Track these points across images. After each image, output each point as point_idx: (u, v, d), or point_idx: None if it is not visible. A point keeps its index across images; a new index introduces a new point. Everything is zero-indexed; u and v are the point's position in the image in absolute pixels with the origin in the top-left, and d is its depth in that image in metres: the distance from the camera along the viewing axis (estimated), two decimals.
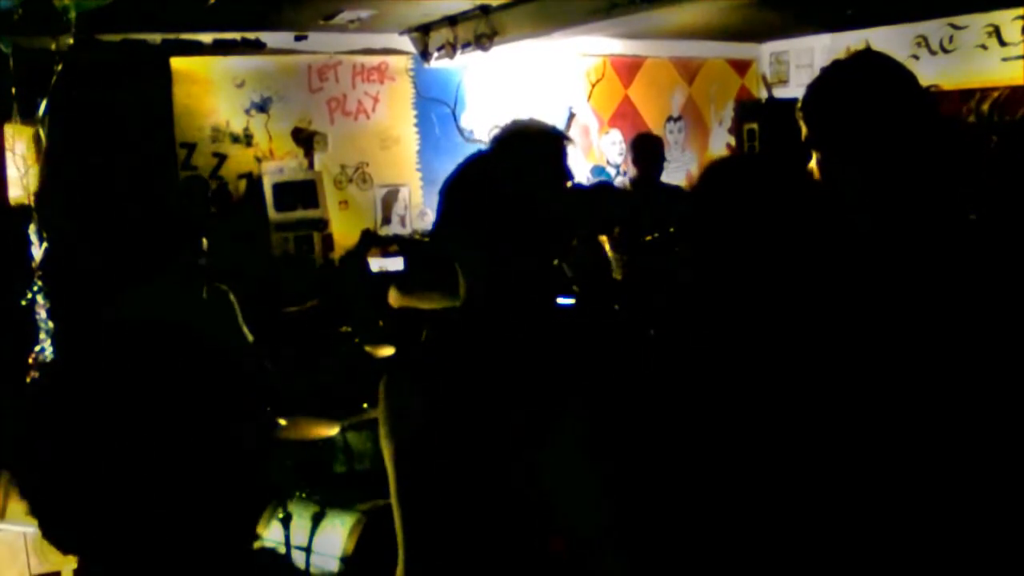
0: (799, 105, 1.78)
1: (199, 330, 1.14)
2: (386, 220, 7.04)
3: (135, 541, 1.04)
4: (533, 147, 2.78)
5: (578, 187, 4.26)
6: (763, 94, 8.38)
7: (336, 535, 4.00)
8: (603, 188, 4.84)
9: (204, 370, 1.10)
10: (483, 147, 6.39)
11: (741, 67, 8.50)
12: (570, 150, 2.87)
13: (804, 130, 1.77)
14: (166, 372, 1.07)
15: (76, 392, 1.05)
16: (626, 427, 1.59)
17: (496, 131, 2.91)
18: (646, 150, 6.12)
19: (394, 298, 3.04)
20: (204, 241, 4.04)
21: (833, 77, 1.76)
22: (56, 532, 1.05)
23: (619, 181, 7.87)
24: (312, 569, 3.99)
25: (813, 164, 1.76)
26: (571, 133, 7.47)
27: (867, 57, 1.77)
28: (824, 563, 1.53)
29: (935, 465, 1.54)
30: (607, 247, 5.65)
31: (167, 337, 1.11)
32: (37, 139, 4.66)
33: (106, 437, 1.03)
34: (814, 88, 1.77)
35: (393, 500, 1.71)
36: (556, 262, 2.35)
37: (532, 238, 1.71)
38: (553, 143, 2.84)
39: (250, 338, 4.24)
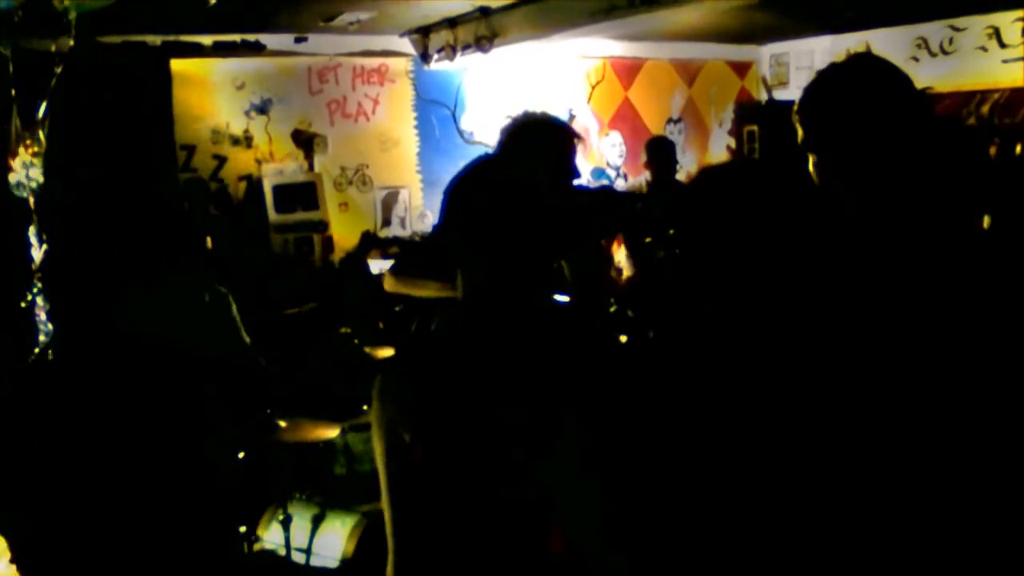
0: (795, 108, 1.78)
1: (198, 335, 1.15)
2: (386, 222, 7.05)
3: (125, 545, 1.04)
4: (540, 143, 2.74)
5: (581, 189, 4.26)
6: (763, 96, 8.39)
7: (336, 537, 4.00)
8: (605, 192, 4.84)
9: (202, 376, 1.11)
10: (485, 148, 6.39)
11: (741, 69, 8.51)
12: (578, 147, 2.84)
13: (800, 133, 1.77)
14: (161, 379, 1.07)
15: (68, 397, 1.05)
16: (625, 429, 1.60)
17: (506, 123, 2.87)
18: (661, 153, 6.21)
19: (389, 283, 3.02)
20: (208, 241, 4.03)
21: (828, 80, 1.76)
22: (31, 552, 1.04)
23: (620, 184, 7.88)
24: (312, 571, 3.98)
25: (810, 166, 1.76)
26: None
27: (862, 60, 1.76)
28: (824, 562, 1.53)
29: (928, 463, 1.55)
30: (619, 250, 5.66)
31: (163, 344, 1.11)
32: (37, 140, 4.66)
33: (98, 442, 1.03)
34: (809, 91, 1.77)
35: (383, 500, 1.72)
36: (558, 264, 2.35)
37: (533, 242, 1.72)
38: (561, 139, 2.81)
39: (247, 340, 4.23)
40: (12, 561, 1.02)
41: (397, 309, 5.39)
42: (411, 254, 3.82)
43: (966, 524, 1.53)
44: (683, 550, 1.56)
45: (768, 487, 1.53)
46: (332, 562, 3.96)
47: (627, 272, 5.38)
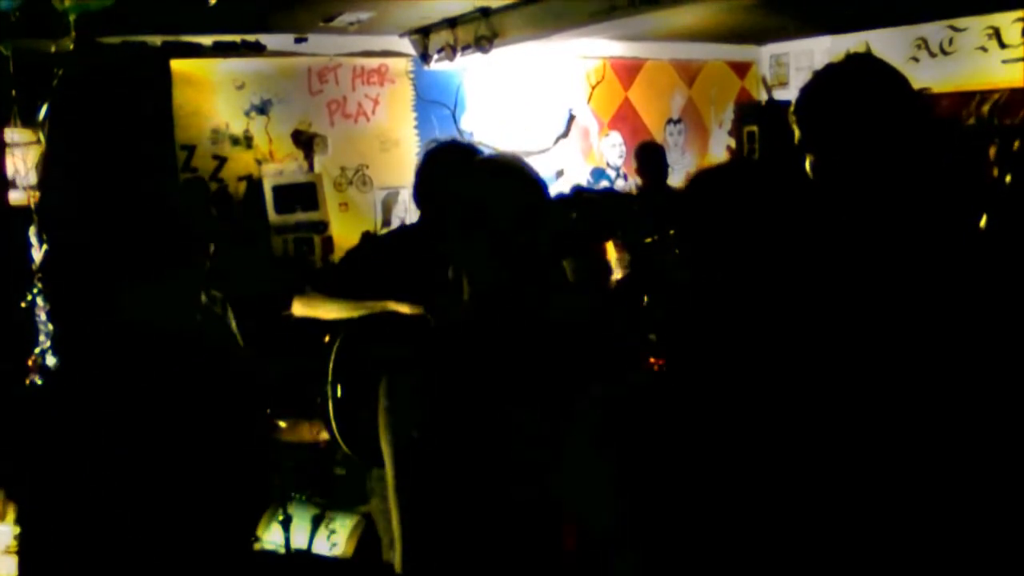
0: (791, 108, 1.78)
1: (199, 336, 1.15)
2: (386, 222, 7.05)
3: (133, 544, 1.04)
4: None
5: (582, 189, 4.27)
6: (763, 96, 8.39)
7: (336, 537, 4.00)
8: (607, 194, 4.86)
9: (204, 375, 1.11)
10: (486, 148, 6.39)
11: (741, 69, 8.51)
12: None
13: (797, 133, 1.77)
14: (167, 378, 1.07)
15: (77, 398, 1.05)
16: (635, 426, 1.60)
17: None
18: (651, 159, 6.21)
19: (297, 308, 3.00)
20: (211, 246, 4.03)
21: (825, 80, 1.76)
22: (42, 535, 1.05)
23: (620, 184, 7.88)
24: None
25: (807, 167, 1.77)
26: (571, 135, 7.49)
27: (859, 60, 1.77)
28: (829, 561, 1.53)
29: (923, 462, 1.55)
30: (612, 250, 5.66)
31: (168, 343, 1.11)
32: (37, 142, 4.66)
33: (106, 442, 1.03)
34: (806, 91, 1.77)
35: (391, 499, 1.73)
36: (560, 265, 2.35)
37: (537, 242, 1.74)
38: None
39: (241, 342, 4.23)
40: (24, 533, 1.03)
41: None
42: (320, 279, 3.87)
43: (965, 523, 1.53)
44: (693, 549, 1.57)
45: (770, 485, 1.54)
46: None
47: (617, 274, 5.37)
